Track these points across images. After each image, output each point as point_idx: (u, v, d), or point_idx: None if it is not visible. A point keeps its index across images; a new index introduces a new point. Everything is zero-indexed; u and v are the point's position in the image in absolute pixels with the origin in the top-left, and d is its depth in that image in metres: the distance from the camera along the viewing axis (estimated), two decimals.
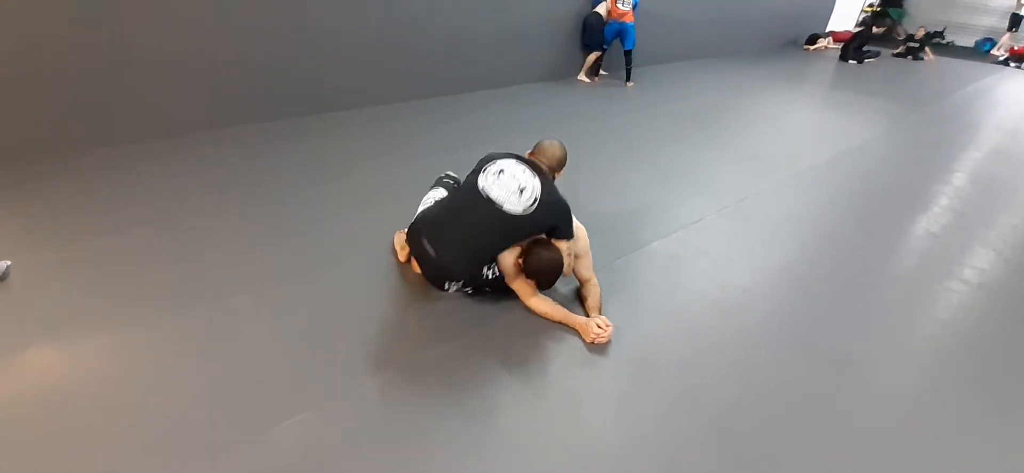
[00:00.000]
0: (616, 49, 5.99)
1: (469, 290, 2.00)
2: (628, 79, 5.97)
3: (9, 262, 2.01)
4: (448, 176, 2.29)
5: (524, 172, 1.88)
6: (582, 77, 6.07)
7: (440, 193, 2.13)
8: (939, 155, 4.33)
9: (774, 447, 1.49)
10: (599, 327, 1.82)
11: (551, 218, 1.88)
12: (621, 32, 5.74)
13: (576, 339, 1.85)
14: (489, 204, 1.84)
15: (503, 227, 1.84)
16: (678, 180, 3.36)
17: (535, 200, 1.83)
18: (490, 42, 5.29)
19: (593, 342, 1.81)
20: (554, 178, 1.98)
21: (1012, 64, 10.02)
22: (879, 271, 2.48)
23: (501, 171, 1.88)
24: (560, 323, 1.90)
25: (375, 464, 1.36)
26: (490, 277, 1.94)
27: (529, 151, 2.03)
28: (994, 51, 11.38)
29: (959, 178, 3.76)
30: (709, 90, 6.11)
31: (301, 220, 2.51)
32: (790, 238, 2.71)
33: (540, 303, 1.93)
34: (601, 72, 6.23)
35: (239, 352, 1.69)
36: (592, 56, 5.99)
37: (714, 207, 2.97)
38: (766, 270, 2.39)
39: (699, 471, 1.41)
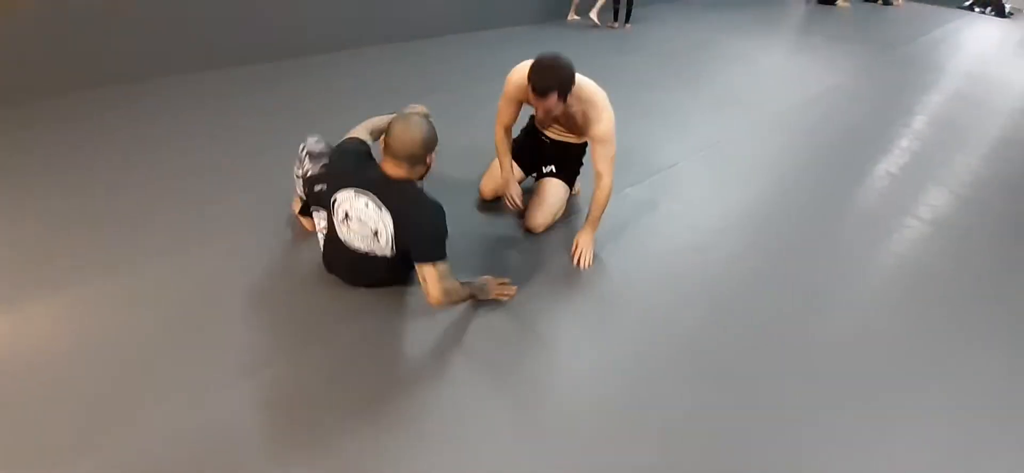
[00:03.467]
0: None
1: None
2: (627, 20, 5.99)
3: None
4: (311, 177, 1.80)
5: (368, 209, 1.54)
6: (592, 16, 6.00)
7: (319, 221, 1.79)
8: (902, 98, 4.45)
9: (737, 366, 1.60)
10: (581, 250, 1.94)
11: (406, 244, 1.55)
12: None
13: (536, 281, 1.89)
14: (361, 255, 1.63)
15: (387, 264, 1.64)
16: (655, 124, 3.39)
17: (390, 238, 1.55)
18: None
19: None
20: (423, 171, 1.60)
21: (977, 9, 10.22)
22: (842, 209, 2.60)
23: (346, 215, 1.58)
24: (499, 156, 2.07)
25: (337, 417, 1.40)
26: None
27: (383, 137, 1.55)
28: None
29: (919, 120, 3.90)
30: (686, 34, 6.07)
31: (247, 174, 2.44)
32: (761, 179, 2.80)
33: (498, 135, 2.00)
34: (593, 15, 6.08)
35: (174, 314, 1.66)
36: None
37: (689, 150, 3.01)
38: (738, 210, 2.47)
39: (664, 386, 1.51)
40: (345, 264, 1.71)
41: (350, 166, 1.59)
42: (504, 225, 2.19)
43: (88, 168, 2.32)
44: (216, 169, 2.40)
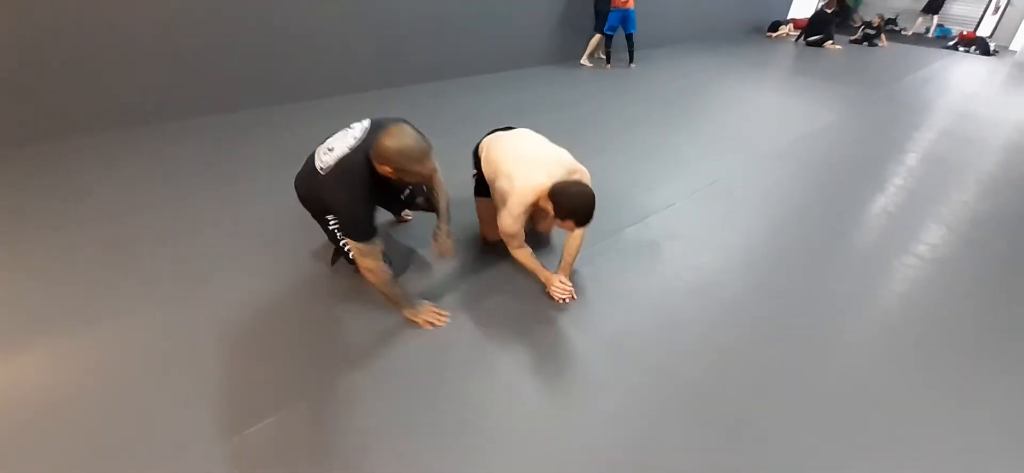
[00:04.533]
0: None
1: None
2: (631, 61, 6.44)
3: None
4: None
5: (352, 139, 1.64)
6: (584, 61, 6.41)
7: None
8: (894, 136, 4.52)
9: (745, 416, 1.56)
10: (560, 284, 1.98)
11: (323, 194, 1.66)
12: (625, 18, 6.09)
13: (544, 330, 1.87)
14: (316, 150, 1.73)
15: (310, 179, 1.71)
16: (653, 165, 3.43)
17: (325, 169, 1.63)
18: (477, 26, 5.41)
19: (555, 296, 1.98)
20: (386, 171, 1.59)
21: (962, 48, 10.52)
22: (841, 248, 2.60)
23: (355, 124, 1.71)
24: (531, 271, 2.02)
25: None
26: (334, 232, 1.86)
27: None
28: (909, 31, 12.19)
29: (912, 158, 3.95)
30: (682, 76, 6.23)
31: (240, 217, 2.46)
32: (758, 219, 2.81)
33: (522, 252, 1.98)
34: (600, 57, 6.52)
35: (197, 349, 1.66)
36: (595, 39, 6.31)
37: (687, 190, 3.04)
38: (736, 250, 2.47)
39: (672, 441, 1.47)
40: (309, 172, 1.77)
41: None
42: (504, 273, 2.18)
43: (79, 214, 2.33)
44: (210, 211, 2.41)
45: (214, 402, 1.47)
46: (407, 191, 2.06)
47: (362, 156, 1.59)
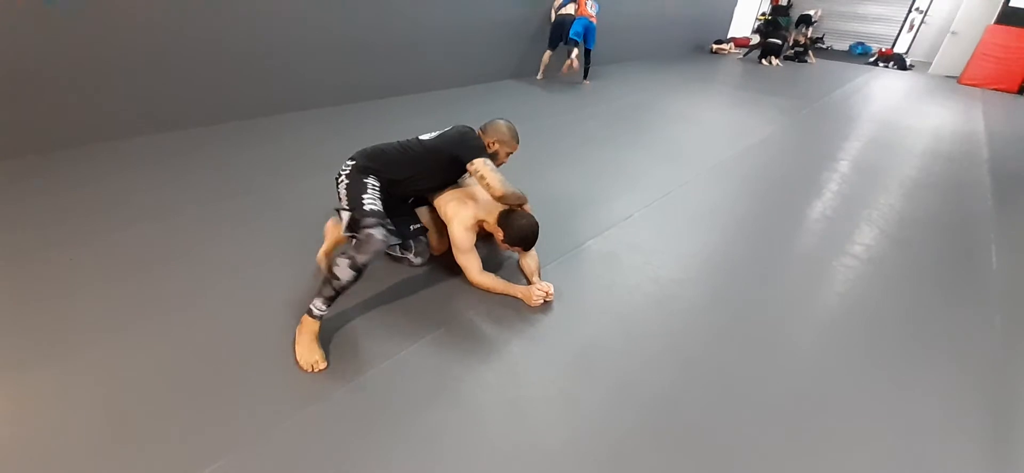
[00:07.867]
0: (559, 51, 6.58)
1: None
2: (585, 77, 6.53)
3: None
4: None
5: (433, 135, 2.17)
6: (561, 72, 6.69)
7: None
8: (827, 146, 4.86)
9: (709, 425, 1.62)
10: (540, 291, 2.07)
11: (450, 146, 2.06)
12: (587, 30, 6.17)
13: (509, 349, 1.87)
14: (414, 140, 2.13)
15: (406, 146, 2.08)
16: (608, 178, 3.53)
17: (440, 133, 2.13)
18: (440, 42, 5.49)
19: (537, 305, 2.06)
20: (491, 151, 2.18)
21: (882, 64, 11.47)
22: (786, 252, 2.76)
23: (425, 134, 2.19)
24: (503, 294, 2.11)
25: None
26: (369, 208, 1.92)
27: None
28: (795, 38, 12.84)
29: (844, 165, 4.26)
30: (632, 91, 6.47)
31: (204, 235, 2.36)
32: (711, 228, 2.94)
33: (485, 278, 2.12)
34: (545, 69, 6.68)
35: (139, 390, 1.56)
36: (546, 55, 6.50)
37: (642, 203, 3.15)
38: (692, 259, 2.58)
39: (641, 459, 1.49)
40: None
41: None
42: (465, 294, 2.19)
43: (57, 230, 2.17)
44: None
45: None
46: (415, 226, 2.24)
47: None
